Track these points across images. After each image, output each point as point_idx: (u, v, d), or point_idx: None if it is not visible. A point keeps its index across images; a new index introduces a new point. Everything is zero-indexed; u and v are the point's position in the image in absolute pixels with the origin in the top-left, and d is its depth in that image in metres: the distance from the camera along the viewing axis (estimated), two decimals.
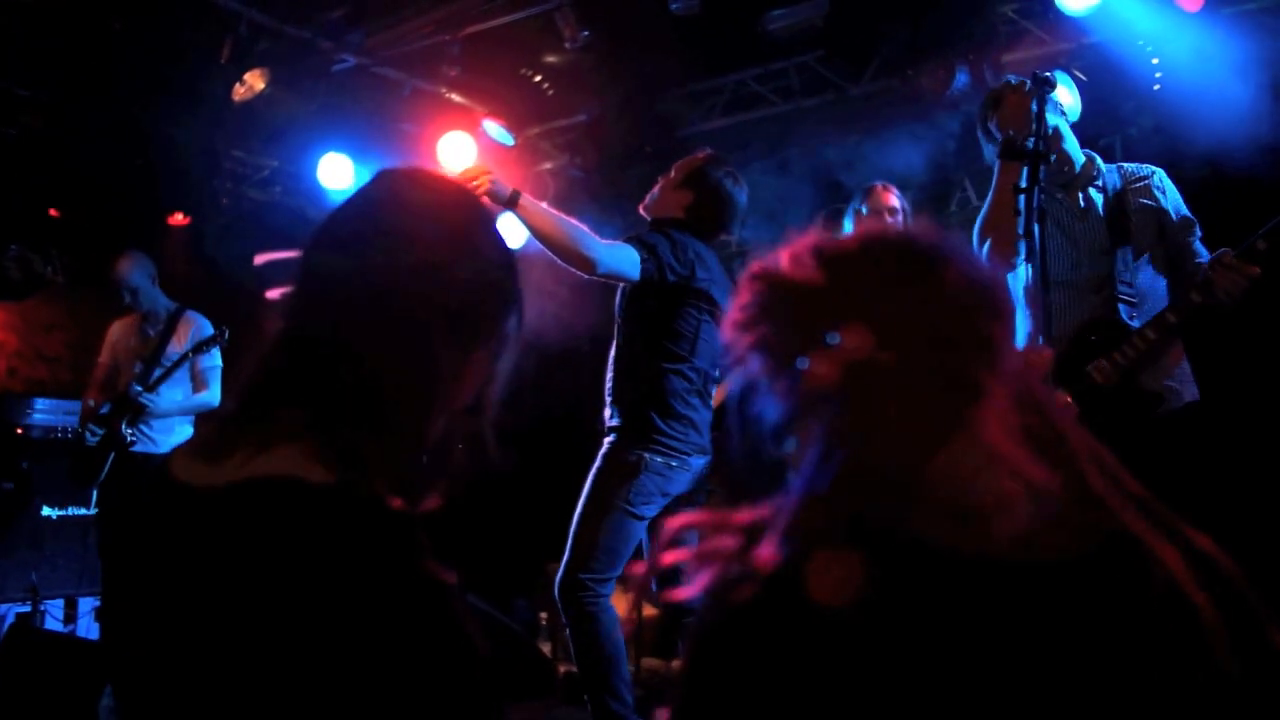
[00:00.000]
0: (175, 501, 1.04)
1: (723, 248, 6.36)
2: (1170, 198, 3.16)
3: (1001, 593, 0.90)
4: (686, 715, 0.95)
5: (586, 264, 3.13)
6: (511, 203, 3.16)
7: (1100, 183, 3.22)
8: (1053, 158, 3.20)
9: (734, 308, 1.02)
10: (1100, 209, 3.19)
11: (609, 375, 3.49)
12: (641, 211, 3.66)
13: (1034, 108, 2.88)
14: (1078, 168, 3.23)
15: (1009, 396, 0.95)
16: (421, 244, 1.09)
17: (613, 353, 3.51)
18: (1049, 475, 0.95)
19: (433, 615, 0.90)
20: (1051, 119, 3.15)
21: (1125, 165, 3.26)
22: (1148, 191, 3.17)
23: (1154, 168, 3.23)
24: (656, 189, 3.62)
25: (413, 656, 0.87)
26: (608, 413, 3.44)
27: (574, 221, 3.17)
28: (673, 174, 3.60)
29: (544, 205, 3.22)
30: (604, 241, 3.18)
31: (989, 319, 0.96)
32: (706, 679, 0.94)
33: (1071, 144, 3.23)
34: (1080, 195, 3.23)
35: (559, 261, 3.17)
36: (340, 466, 0.98)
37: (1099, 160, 3.28)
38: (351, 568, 0.89)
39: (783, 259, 1.01)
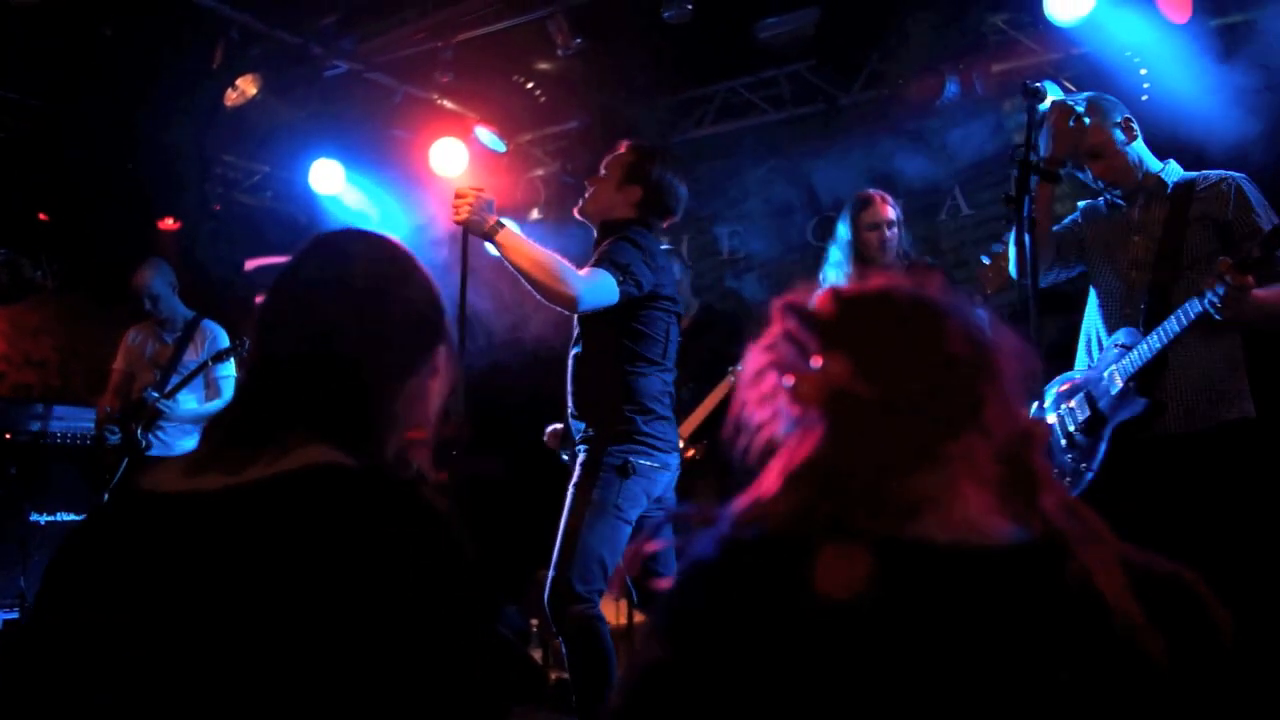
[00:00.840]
0: (185, 507, 1.19)
1: (714, 256, 6.40)
2: (1236, 206, 2.99)
3: (925, 573, 0.99)
4: (642, 672, 1.04)
5: (567, 302, 3.12)
6: (489, 236, 3.14)
7: (1167, 192, 3.11)
8: (1087, 170, 3.18)
9: (766, 333, 1.14)
10: (1159, 220, 3.08)
11: (571, 384, 3.41)
12: (579, 215, 3.55)
13: (1024, 119, 2.87)
14: (1139, 177, 3.15)
15: (992, 453, 1.04)
16: (363, 274, 1.34)
17: (574, 361, 3.42)
18: (1007, 520, 1.05)
19: (456, 555, 1.16)
20: (1117, 134, 3.11)
21: (1207, 173, 3.11)
22: (1211, 200, 3.03)
23: (1229, 174, 3.07)
24: (594, 191, 3.51)
25: (444, 581, 1.14)
26: (577, 424, 3.37)
27: (556, 257, 3.13)
28: (607, 173, 3.50)
29: (526, 240, 3.17)
30: (582, 274, 3.14)
31: (981, 377, 1.05)
32: (663, 638, 1.04)
33: (1133, 152, 3.14)
34: (1140, 206, 3.15)
35: (537, 296, 3.15)
36: (354, 457, 1.22)
37: (1171, 169, 3.17)
38: (403, 523, 1.15)
39: (815, 296, 1.13)
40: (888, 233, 4.04)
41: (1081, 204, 3.38)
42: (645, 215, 3.45)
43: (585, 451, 3.31)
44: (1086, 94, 3.24)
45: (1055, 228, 3.29)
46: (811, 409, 1.05)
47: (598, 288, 3.15)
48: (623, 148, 3.53)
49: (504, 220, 3.21)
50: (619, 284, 3.18)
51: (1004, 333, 1.10)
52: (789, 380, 1.07)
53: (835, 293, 1.11)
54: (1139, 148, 3.18)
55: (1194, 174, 3.14)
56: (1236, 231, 2.97)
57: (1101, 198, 3.29)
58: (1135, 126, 3.18)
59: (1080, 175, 3.26)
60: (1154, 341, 2.93)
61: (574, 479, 3.31)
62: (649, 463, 3.26)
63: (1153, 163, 3.18)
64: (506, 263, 3.15)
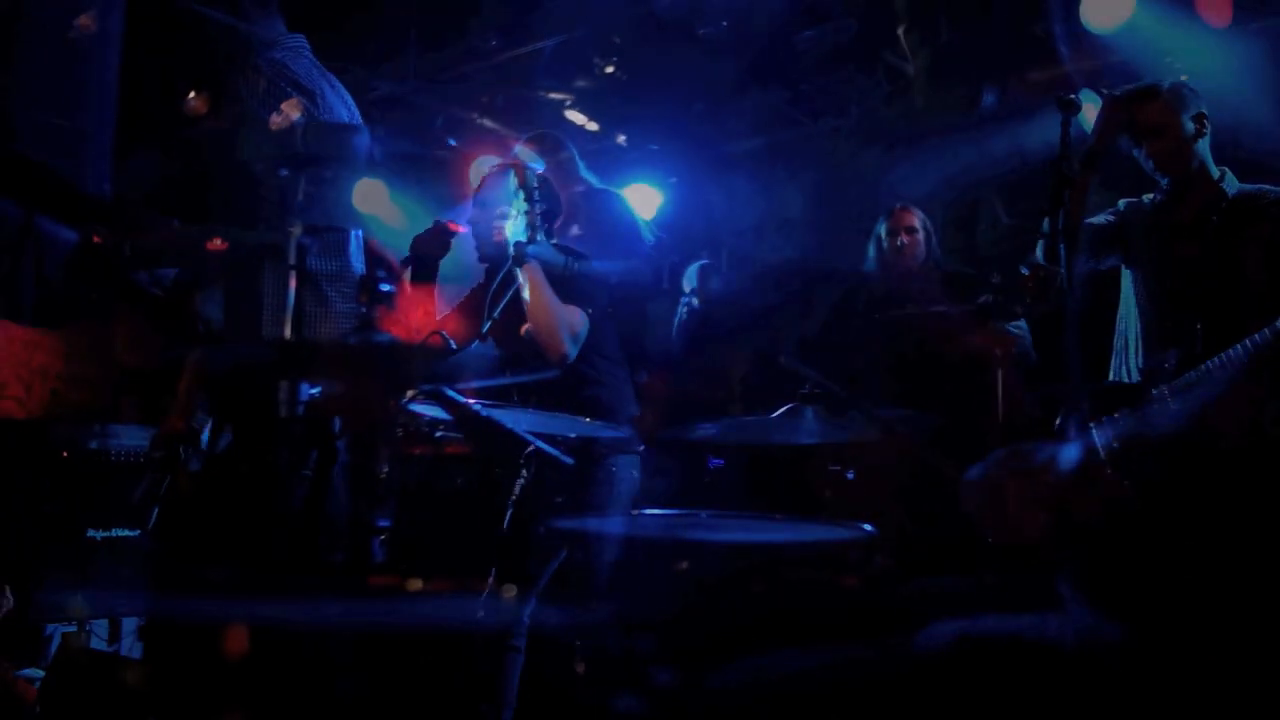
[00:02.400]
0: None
1: (754, 265, 6.40)
2: None
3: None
4: None
5: (557, 359, 3.12)
6: (518, 263, 3.09)
7: (1225, 203, 2.99)
8: (1141, 149, 3.05)
9: None
10: (1212, 231, 2.97)
11: (574, 389, 3.22)
12: (513, 255, 3.19)
13: (1060, 130, 2.81)
14: (1192, 172, 3.03)
15: None
16: None
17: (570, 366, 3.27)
18: None
19: None
20: (1185, 122, 2.98)
21: (1271, 190, 2.98)
22: (1266, 219, 2.91)
23: None
24: (505, 223, 3.25)
25: None
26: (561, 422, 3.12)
27: (564, 313, 3.12)
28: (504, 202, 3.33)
29: (544, 284, 3.13)
30: (572, 323, 3.13)
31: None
32: None
33: (1195, 148, 3.01)
34: (1191, 209, 3.04)
35: (534, 334, 3.12)
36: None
37: (1229, 179, 3.04)
38: None
39: None
40: (904, 238, 4.16)
41: (1122, 202, 3.29)
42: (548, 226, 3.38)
43: (577, 459, 3.01)
44: (1174, 80, 3.11)
45: (1093, 220, 3.21)
46: None
47: (579, 339, 3.17)
48: (501, 168, 3.43)
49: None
50: (589, 316, 3.20)
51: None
52: None
53: None
54: (1203, 148, 3.05)
55: (1256, 188, 3.02)
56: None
57: (1147, 195, 3.19)
58: (1207, 127, 3.05)
59: (1135, 154, 3.12)
60: (1207, 369, 2.86)
61: (576, 489, 3.14)
62: (638, 473, 3.26)
63: (1213, 168, 3.06)
64: (522, 292, 3.12)
